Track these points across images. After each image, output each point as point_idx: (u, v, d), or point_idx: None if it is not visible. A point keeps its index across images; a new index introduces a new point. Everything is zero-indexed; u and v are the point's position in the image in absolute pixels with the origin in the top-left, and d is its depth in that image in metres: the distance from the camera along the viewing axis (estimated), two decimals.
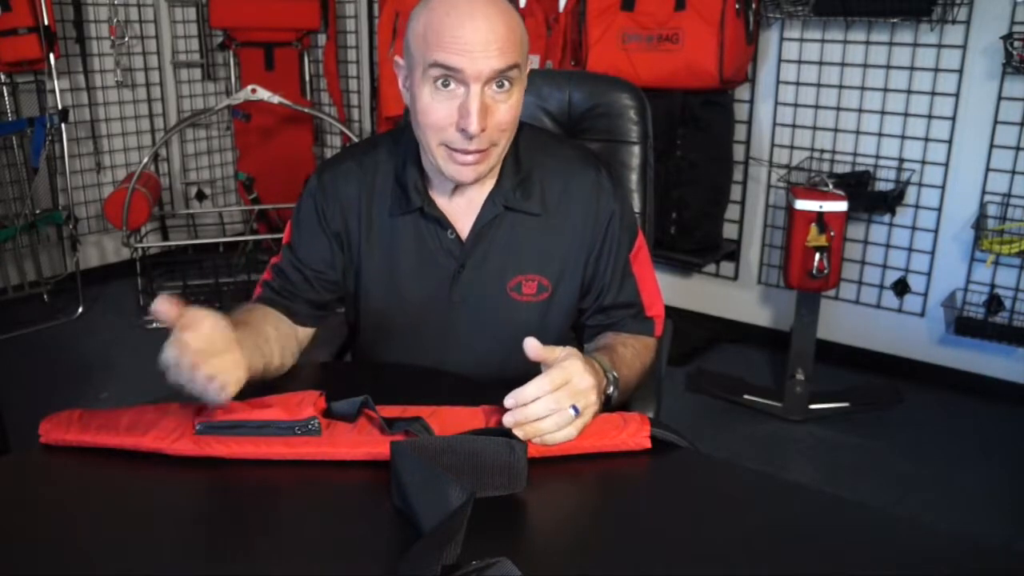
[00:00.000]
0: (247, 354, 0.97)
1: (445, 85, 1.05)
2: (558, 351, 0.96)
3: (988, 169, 2.62)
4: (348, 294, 1.27)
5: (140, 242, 3.41)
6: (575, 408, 0.92)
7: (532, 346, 0.95)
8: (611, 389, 1.05)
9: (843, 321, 2.98)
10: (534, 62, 3.06)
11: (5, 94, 3.32)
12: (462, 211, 1.20)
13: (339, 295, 1.27)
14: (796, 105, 2.92)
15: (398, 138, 1.22)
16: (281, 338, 1.14)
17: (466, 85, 1.04)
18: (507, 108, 1.07)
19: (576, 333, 1.30)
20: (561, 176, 1.21)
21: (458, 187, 1.17)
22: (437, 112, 1.07)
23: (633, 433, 0.94)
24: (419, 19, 1.07)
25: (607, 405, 1.05)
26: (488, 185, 1.19)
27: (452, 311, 1.22)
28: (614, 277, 1.23)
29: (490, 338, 1.23)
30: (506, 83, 1.06)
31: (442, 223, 1.19)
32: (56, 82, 3.26)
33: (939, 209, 2.75)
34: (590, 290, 1.24)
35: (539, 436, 0.91)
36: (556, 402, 0.91)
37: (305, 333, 1.22)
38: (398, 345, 1.26)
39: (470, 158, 1.08)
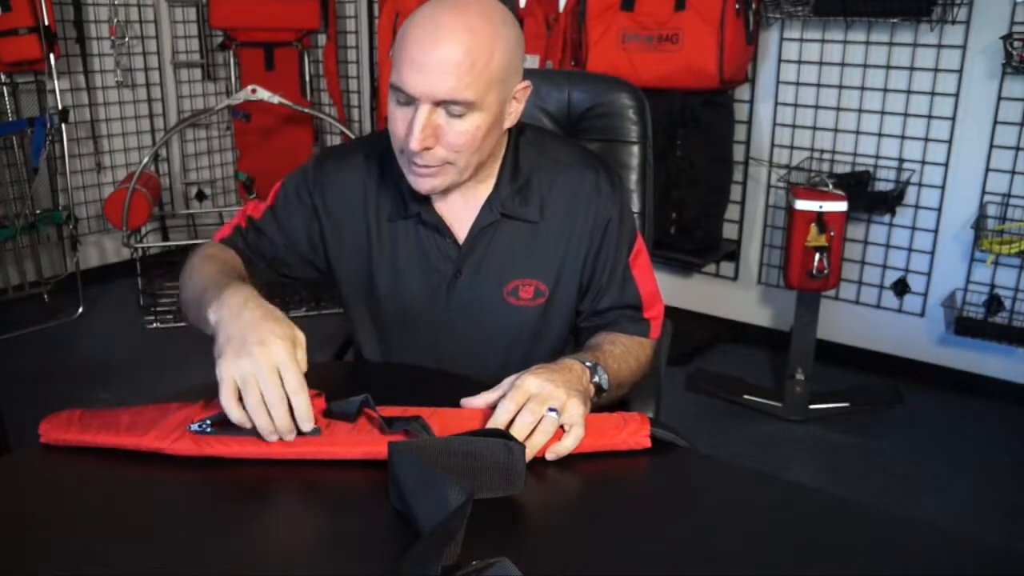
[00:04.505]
0: None
1: (401, 99, 1.05)
2: (504, 385, 0.98)
3: (988, 169, 2.62)
4: (352, 287, 1.26)
5: (140, 242, 3.41)
6: (553, 410, 0.92)
7: (473, 404, 0.98)
8: (596, 378, 1.05)
9: (843, 321, 2.98)
10: (534, 62, 3.06)
11: (5, 94, 3.32)
12: (460, 214, 1.19)
13: (298, 276, 1.28)
14: (796, 105, 2.92)
15: None
16: None
17: (415, 101, 1.04)
18: (460, 132, 1.06)
19: (573, 336, 1.30)
20: (560, 180, 1.20)
21: (451, 190, 1.16)
22: (395, 122, 1.07)
23: (633, 433, 0.94)
24: (402, 27, 1.06)
25: (602, 394, 1.06)
26: (485, 189, 1.19)
27: (450, 315, 1.22)
28: (612, 280, 1.23)
29: (488, 342, 1.23)
30: (457, 110, 1.04)
31: (439, 229, 1.19)
32: (56, 82, 3.25)
33: (939, 209, 2.75)
34: (587, 292, 1.24)
35: (553, 452, 0.92)
36: (531, 415, 0.92)
37: None
38: (397, 347, 1.26)
39: (422, 171, 1.09)
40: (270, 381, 0.87)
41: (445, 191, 1.15)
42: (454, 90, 1.02)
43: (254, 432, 0.92)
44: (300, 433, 0.91)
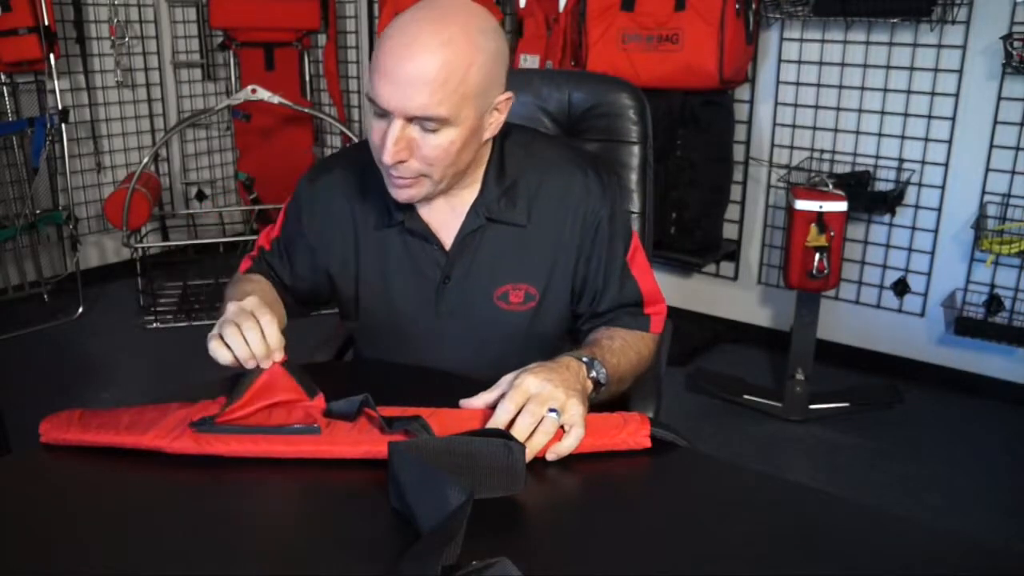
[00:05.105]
0: (277, 311, 1.14)
1: (377, 110, 1.05)
2: (502, 384, 0.98)
3: (988, 169, 2.62)
4: (345, 299, 1.27)
5: (140, 242, 3.41)
6: (553, 410, 0.92)
7: (472, 405, 0.98)
8: (594, 373, 1.04)
9: (843, 321, 2.98)
10: (534, 62, 3.06)
11: (5, 94, 3.32)
12: (446, 220, 1.19)
13: (318, 299, 1.32)
14: (796, 105, 2.92)
15: None
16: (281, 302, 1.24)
17: (389, 114, 1.04)
18: (434, 147, 1.05)
19: (573, 339, 1.28)
20: (548, 181, 1.19)
21: (435, 197, 1.16)
22: (372, 133, 1.08)
23: (633, 432, 0.94)
24: (380, 35, 1.06)
25: (600, 389, 1.05)
26: (470, 194, 1.18)
27: (440, 321, 1.21)
28: (609, 281, 1.22)
29: (479, 347, 1.22)
30: (431, 125, 1.04)
31: (425, 236, 1.19)
32: (56, 82, 3.25)
33: (939, 209, 2.75)
34: (583, 295, 1.23)
35: (554, 452, 0.92)
36: (531, 415, 0.92)
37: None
38: (390, 353, 1.26)
39: (398, 181, 1.10)
40: (244, 318, 0.98)
41: (428, 198, 1.14)
42: (426, 107, 1.01)
43: (254, 431, 0.92)
44: (298, 431, 0.92)
